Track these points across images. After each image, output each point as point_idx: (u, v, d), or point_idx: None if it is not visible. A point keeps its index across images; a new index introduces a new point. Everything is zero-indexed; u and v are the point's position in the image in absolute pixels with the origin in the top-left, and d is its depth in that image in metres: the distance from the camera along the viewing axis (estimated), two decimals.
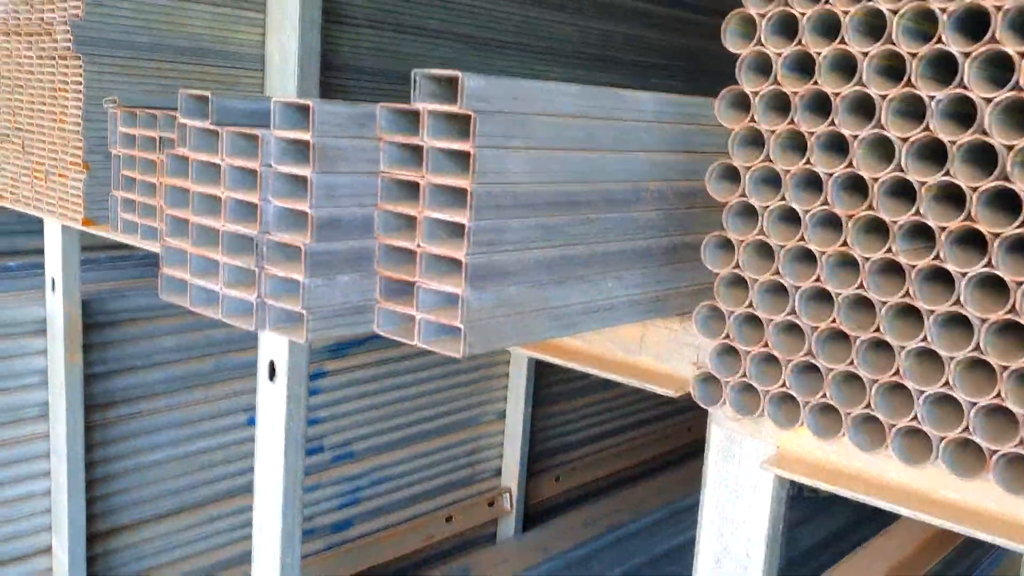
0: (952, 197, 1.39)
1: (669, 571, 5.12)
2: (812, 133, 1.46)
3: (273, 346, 2.99)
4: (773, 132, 1.50)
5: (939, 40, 1.32)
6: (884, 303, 1.43)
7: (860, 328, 1.47)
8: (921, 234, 1.43)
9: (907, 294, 1.41)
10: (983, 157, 1.35)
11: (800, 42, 1.45)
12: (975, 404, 1.37)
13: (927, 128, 1.36)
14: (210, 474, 4.31)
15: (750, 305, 1.57)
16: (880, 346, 1.48)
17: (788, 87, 1.48)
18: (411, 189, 1.63)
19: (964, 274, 1.36)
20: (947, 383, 1.40)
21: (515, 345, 1.65)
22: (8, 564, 3.80)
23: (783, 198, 1.51)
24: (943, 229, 1.36)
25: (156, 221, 2.62)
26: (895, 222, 1.40)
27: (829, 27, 1.43)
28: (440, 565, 5.24)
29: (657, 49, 4.99)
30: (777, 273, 1.53)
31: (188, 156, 1.82)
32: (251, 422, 4.24)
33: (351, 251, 1.68)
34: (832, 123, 1.44)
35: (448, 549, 5.29)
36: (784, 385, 1.56)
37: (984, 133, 1.32)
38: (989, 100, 1.30)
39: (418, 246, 1.60)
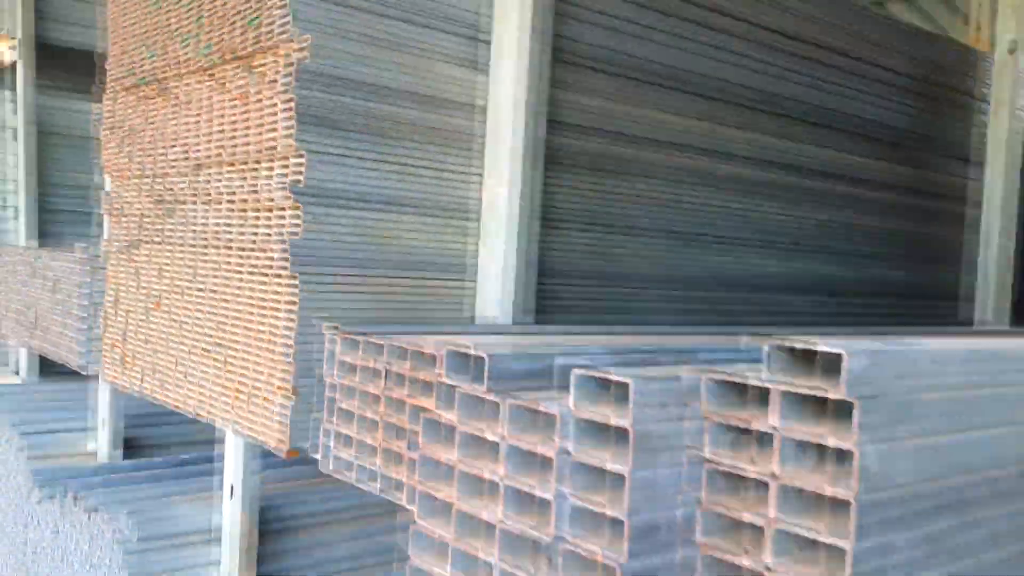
0: None
1: None
2: None
3: None
4: None
5: None
6: None
7: None
8: None
9: None
10: None
11: None
12: None
13: None
14: None
15: None
16: None
17: None
18: (742, 482, 1.25)
19: None
20: None
21: None
22: None
23: None
24: None
25: (376, 461, 2.34)
26: None
27: None
28: None
29: (876, 236, 4.58)
30: None
31: (454, 424, 1.51)
32: None
33: (670, 567, 1.29)
34: None
35: None
36: None
37: None
38: None
39: (767, 569, 1.20)
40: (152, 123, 3.67)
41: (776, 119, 4.15)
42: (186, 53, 3.44)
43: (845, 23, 4.36)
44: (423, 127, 3.06)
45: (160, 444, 5.18)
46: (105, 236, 4.09)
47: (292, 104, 2.79)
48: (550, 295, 3.31)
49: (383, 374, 2.33)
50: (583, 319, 3.47)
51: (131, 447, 4.96)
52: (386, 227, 3.00)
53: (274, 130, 2.89)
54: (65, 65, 7.77)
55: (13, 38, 7.16)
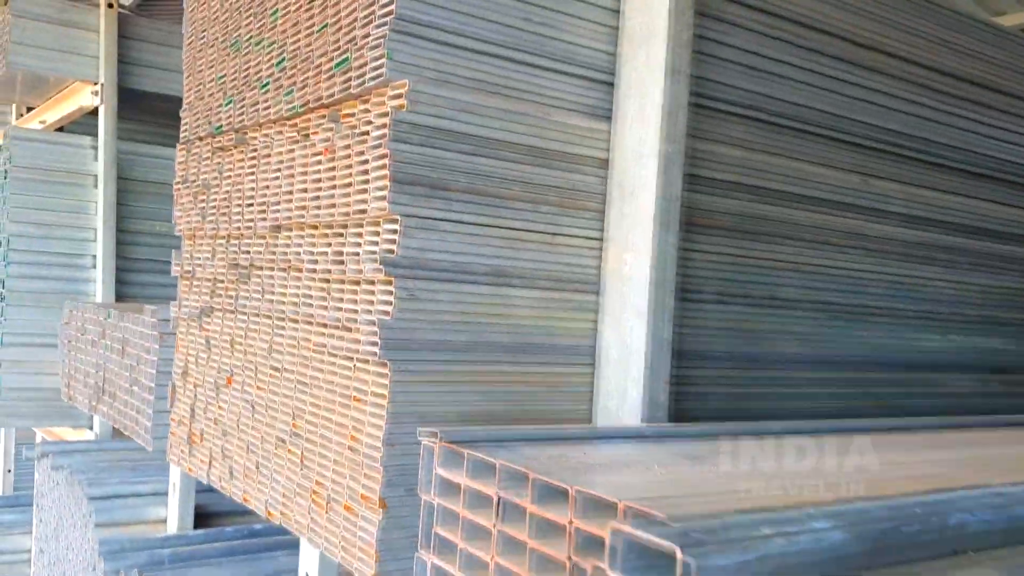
0: None
1: None
2: None
3: None
4: None
5: None
6: None
7: None
8: None
9: None
10: None
11: None
12: None
13: None
14: None
15: None
16: None
17: None
18: None
19: None
20: None
21: None
22: None
23: None
24: None
25: None
26: None
27: None
28: None
29: None
30: None
31: None
32: None
33: None
34: None
35: None
36: None
37: None
38: None
39: None
40: (228, 177, 3.29)
41: (933, 169, 3.57)
42: (266, 100, 3.05)
43: (1013, 60, 3.77)
44: (536, 185, 2.59)
45: (232, 512, 4.82)
46: (176, 300, 3.71)
47: (386, 161, 2.35)
48: (682, 380, 2.79)
49: (496, 503, 1.84)
50: (719, 408, 2.93)
51: (202, 514, 4.59)
52: (492, 304, 2.53)
53: (364, 191, 2.45)
54: (146, 111, 7.61)
55: (96, 83, 6.99)
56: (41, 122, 7.90)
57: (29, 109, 8.30)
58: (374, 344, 2.38)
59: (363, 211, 2.46)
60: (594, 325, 2.70)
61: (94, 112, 7.12)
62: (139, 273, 7.30)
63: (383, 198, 2.37)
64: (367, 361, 2.44)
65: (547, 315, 2.62)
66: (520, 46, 2.58)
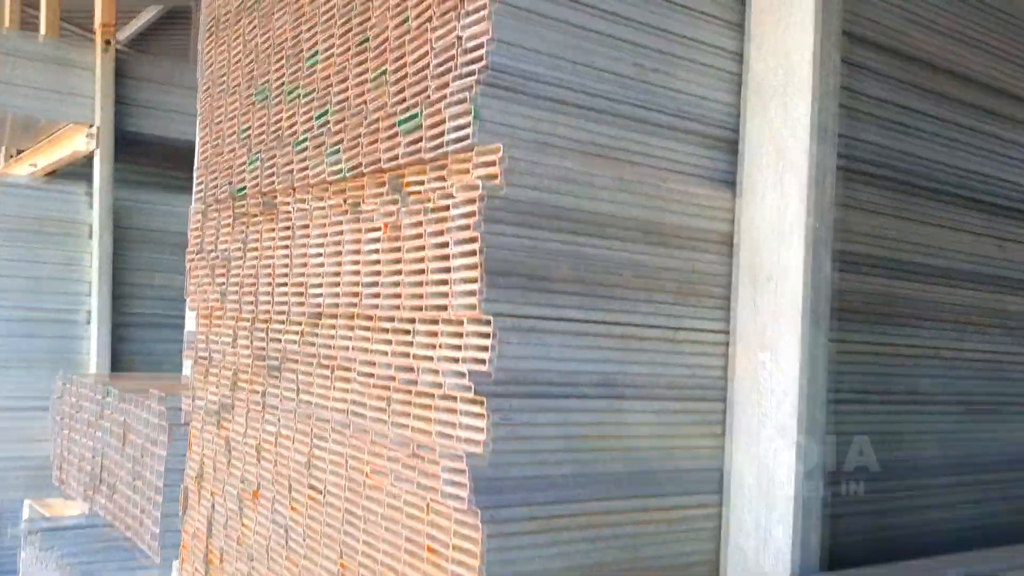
0: None
1: None
2: None
3: None
4: None
5: None
6: None
7: None
8: None
9: None
10: None
11: None
12: None
13: None
14: None
15: None
16: None
17: None
18: None
19: None
20: None
21: None
22: None
23: None
24: None
25: None
26: None
27: None
28: None
29: None
30: None
31: None
32: None
33: None
34: None
35: None
36: None
37: None
38: None
39: None
40: (254, 250, 2.77)
41: None
42: (302, 160, 2.54)
43: None
44: (651, 269, 2.07)
45: None
46: (187, 383, 3.17)
47: (476, 248, 1.83)
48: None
49: None
50: (856, 527, 2.40)
51: None
52: (603, 424, 2.00)
53: (444, 282, 1.93)
54: (145, 154, 7.04)
55: (91, 126, 6.47)
56: (32, 166, 7.35)
57: (19, 152, 7.76)
58: (459, 485, 1.84)
59: (441, 307, 1.94)
60: (720, 443, 2.17)
61: (89, 157, 6.60)
62: (138, 328, 6.73)
63: (471, 294, 1.84)
64: (448, 508, 1.90)
65: (667, 433, 2.09)
66: (629, 99, 2.08)
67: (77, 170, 6.93)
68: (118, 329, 6.66)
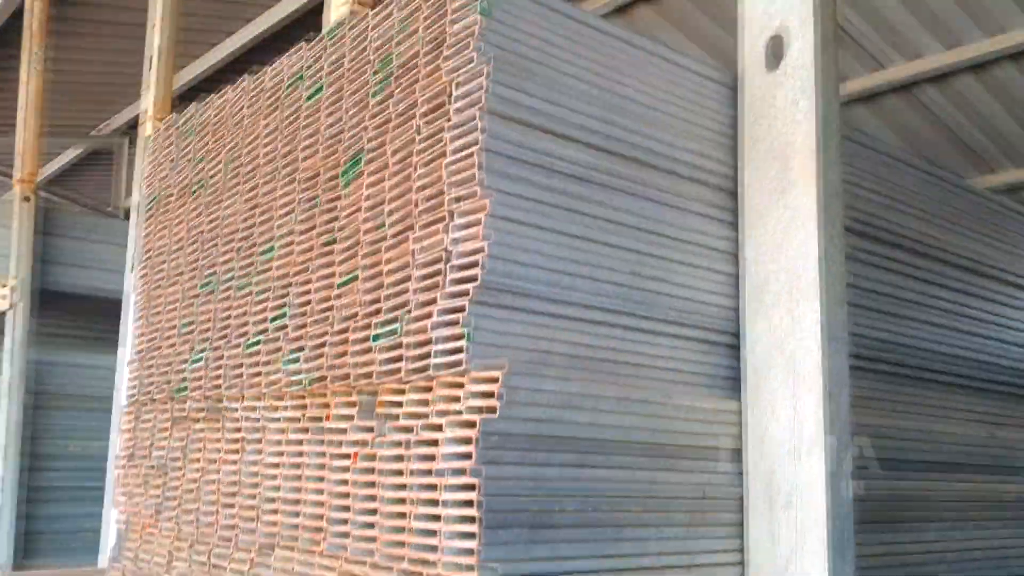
0: None
1: None
2: None
3: None
4: None
5: None
6: None
7: None
8: None
9: None
10: None
11: None
12: None
13: None
14: None
15: None
16: None
17: None
18: None
19: None
20: None
21: None
22: None
23: None
24: None
25: None
26: None
27: None
28: None
29: None
30: None
31: None
32: None
33: None
34: None
35: None
36: None
37: None
38: None
39: None
40: (195, 460, 2.47)
41: None
42: (254, 363, 2.29)
43: None
44: (660, 500, 1.85)
45: None
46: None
47: (474, 496, 1.59)
48: None
49: None
50: None
51: None
52: None
53: (432, 532, 1.67)
54: (64, 311, 6.64)
55: (13, 278, 6.06)
56: None
57: None
58: None
59: (426, 561, 1.67)
60: None
61: (3, 315, 6.18)
62: (49, 504, 6.16)
63: (467, 551, 1.59)
64: None
65: None
66: (628, 307, 1.91)
67: None
68: (32, 502, 6.08)
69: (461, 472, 1.61)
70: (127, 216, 7.81)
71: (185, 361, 2.58)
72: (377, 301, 1.93)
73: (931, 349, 2.62)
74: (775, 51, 2.07)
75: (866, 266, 2.44)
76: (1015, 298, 2.94)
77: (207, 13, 6.14)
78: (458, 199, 1.76)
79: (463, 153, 1.75)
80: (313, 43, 2.34)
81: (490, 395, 1.64)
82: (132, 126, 8.70)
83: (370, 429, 1.86)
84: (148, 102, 4.44)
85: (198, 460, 2.45)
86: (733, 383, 2.08)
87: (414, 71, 1.93)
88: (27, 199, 6.27)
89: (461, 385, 1.70)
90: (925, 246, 2.65)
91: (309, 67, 2.31)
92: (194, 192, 2.72)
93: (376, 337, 1.88)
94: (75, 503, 6.10)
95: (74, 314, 6.70)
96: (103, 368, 6.30)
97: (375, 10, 2.12)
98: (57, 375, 6.41)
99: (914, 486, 2.46)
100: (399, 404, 1.83)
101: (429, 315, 1.76)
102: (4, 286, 6.14)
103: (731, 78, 2.19)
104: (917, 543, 2.43)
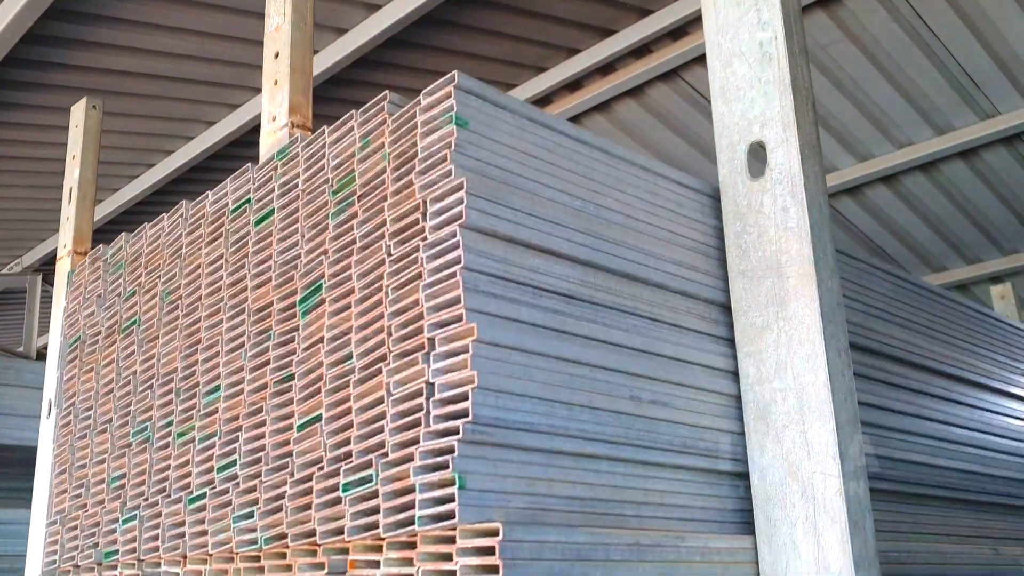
0: None
1: None
2: None
3: None
4: None
5: None
6: None
7: None
8: None
9: None
10: None
11: None
12: None
13: None
14: None
15: None
16: None
17: None
18: None
19: None
20: None
21: None
22: None
23: None
24: None
25: None
26: None
27: None
28: None
29: None
30: None
31: None
32: None
33: None
34: None
35: None
36: None
37: None
38: None
39: None
40: None
41: None
42: (199, 522, 2.00)
43: None
44: None
45: None
46: None
47: None
48: None
49: None
50: None
51: None
52: None
53: None
54: None
55: None
56: None
57: None
58: None
59: None
60: None
61: None
62: None
63: None
64: None
65: None
66: (629, 438, 1.71)
67: None
68: None
69: None
70: (40, 358, 7.38)
71: (115, 521, 2.27)
72: (345, 443, 1.70)
73: (927, 463, 2.48)
74: (757, 158, 1.98)
75: (856, 378, 2.31)
76: (1000, 405, 2.85)
77: (127, 146, 5.96)
78: (439, 325, 1.57)
79: (443, 274, 1.57)
80: (261, 165, 2.16)
81: (489, 551, 1.41)
82: (46, 263, 8.35)
83: None
84: (67, 236, 4.19)
85: None
86: (743, 516, 1.88)
87: (380, 189, 1.76)
88: None
89: (452, 540, 1.47)
90: (908, 353, 2.55)
91: (258, 189, 2.13)
92: (125, 330, 2.47)
93: (346, 487, 1.64)
94: None
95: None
96: (13, 526, 5.79)
97: (331, 127, 1.96)
98: None
99: None
100: (376, 564, 1.58)
101: (410, 458, 1.53)
102: None
103: (710, 188, 2.08)
104: None
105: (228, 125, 5.29)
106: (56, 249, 4.18)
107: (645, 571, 1.59)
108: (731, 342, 1.96)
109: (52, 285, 4.70)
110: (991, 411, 2.80)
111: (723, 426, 1.90)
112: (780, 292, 1.88)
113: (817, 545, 1.73)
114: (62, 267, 4.05)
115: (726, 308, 1.99)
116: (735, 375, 1.94)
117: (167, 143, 6.04)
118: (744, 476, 1.89)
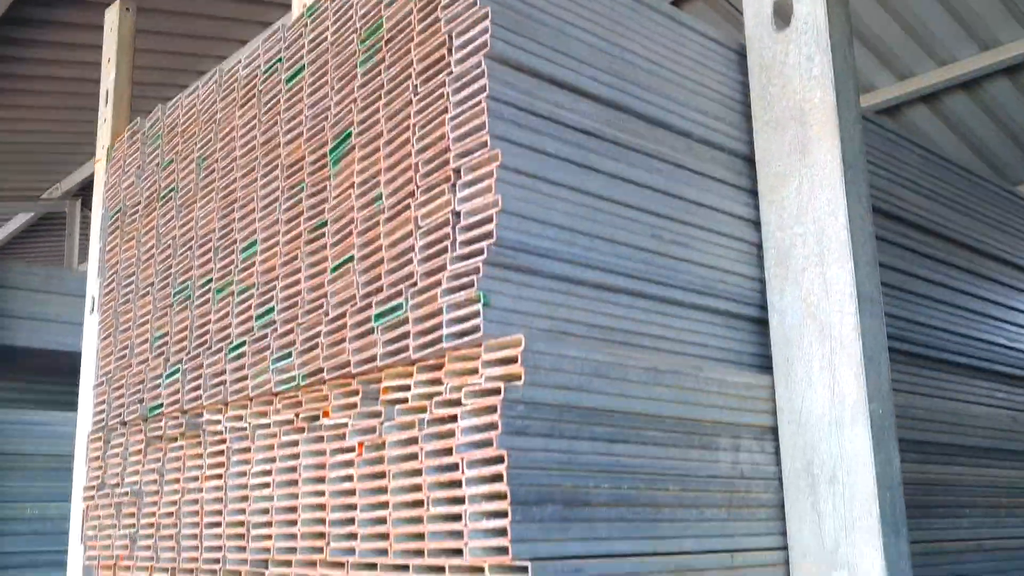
0: None
1: None
2: None
3: None
4: None
5: None
6: None
7: None
8: None
9: None
10: None
11: None
12: None
13: None
14: None
15: None
16: None
17: None
18: None
19: None
20: None
21: None
22: None
23: None
24: None
25: None
26: None
27: None
28: None
29: None
30: None
31: None
32: None
33: None
34: None
35: None
36: None
37: None
38: None
39: None
40: (173, 480, 2.25)
41: None
42: (238, 368, 2.10)
43: None
44: (694, 478, 1.69)
45: None
46: None
47: (502, 469, 1.42)
48: None
49: None
50: None
51: None
52: None
53: (454, 516, 1.49)
54: (17, 370, 6.31)
55: None
56: None
57: None
58: None
59: (450, 551, 1.49)
60: None
61: None
62: (10, 571, 5.76)
63: (498, 532, 1.41)
64: None
65: None
66: (650, 274, 1.76)
67: None
68: None
69: (484, 445, 1.44)
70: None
71: (159, 376, 2.38)
72: (376, 280, 1.77)
73: (949, 330, 2.51)
74: (782, 11, 1.98)
75: (879, 242, 2.33)
76: (1021, 281, 2.86)
77: (160, 66, 6.01)
78: (464, 154, 1.62)
79: (468, 104, 1.61)
80: (291, 24, 2.20)
81: (512, 361, 1.48)
82: (84, 187, 8.49)
83: (376, 415, 1.69)
84: (105, 138, 4.26)
85: (177, 481, 2.24)
86: (761, 360, 1.94)
87: (407, 30, 1.80)
88: None
89: (477, 357, 1.53)
90: (933, 224, 2.56)
91: (288, 47, 2.17)
92: (163, 197, 2.55)
93: (379, 316, 1.71)
94: (37, 571, 5.70)
95: (27, 372, 6.37)
96: (61, 428, 6.01)
97: None
98: (10, 436, 6.08)
99: (942, 471, 2.32)
100: (407, 388, 1.66)
101: (437, 284, 1.60)
102: None
103: (735, 43, 2.09)
104: (953, 530, 2.29)
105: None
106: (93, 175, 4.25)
107: (661, 394, 1.66)
108: (753, 193, 1.99)
109: (91, 209, 4.76)
110: (1015, 287, 2.81)
111: (743, 271, 1.94)
112: (803, 140, 1.90)
113: (833, 379, 1.78)
114: (100, 168, 4.12)
115: (749, 161, 2.02)
116: (756, 224, 1.97)
117: (199, 63, 6.08)
118: (761, 322, 1.94)
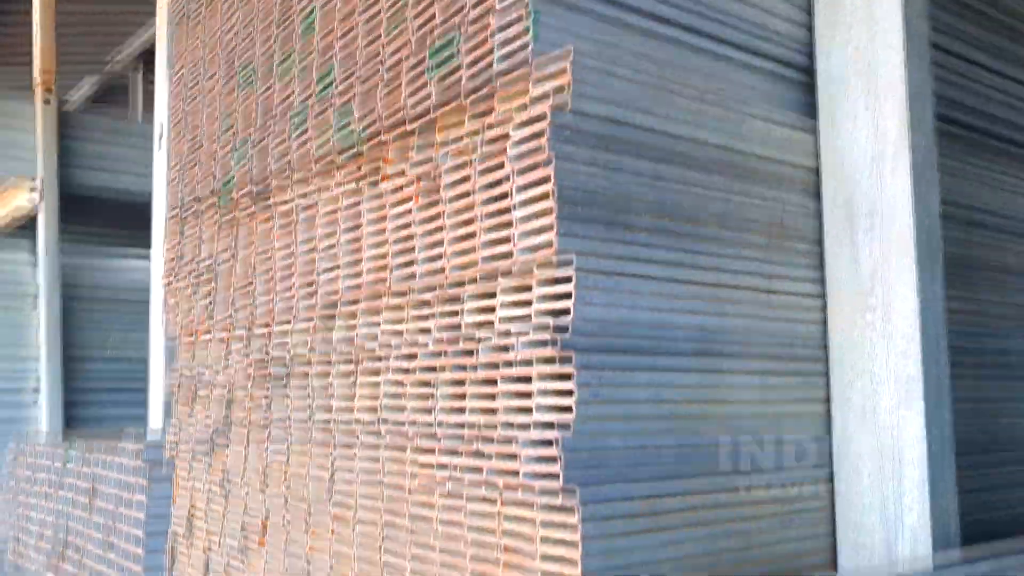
0: None
1: None
2: None
3: None
4: None
5: None
6: None
7: None
8: None
9: None
10: None
11: None
12: None
13: None
14: None
15: None
16: None
17: None
18: None
19: None
20: None
21: None
22: None
23: None
24: None
25: None
26: None
27: None
28: None
29: None
30: None
31: None
32: None
33: None
34: None
35: None
36: None
37: None
38: None
39: None
40: (247, 252, 2.41)
41: None
42: (302, 139, 2.21)
43: None
44: (735, 210, 1.78)
45: None
46: (170, 428, 2.76)
47: (549, 173, 1.52)
48: None
49: None
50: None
51: None
52: (700, 387, 1.68)
53: (502, 234, 1.60)
54: (92, 213, 6.53)
55: (34, 180, 5.97)
56: None
57: None
58: (548, 462, 1.50)
59: (498, 268, 1.61)
60: (825, 410, 1.86)
61: (32, 217, 6.14)
62: (92, 394, 6.17)
63: (544, 231, 1.52)
64: (524, 503, 1.55)
65: (770, 398, 1.77)
66: (695, 9, 1.81)
67: (18, 234, 6.44)
68: (70, 397, 6.12)
69: (534, 153, 1.54)
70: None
71: (228, 155, 2.52)
72: (428, 23, 1.84)
73: (1008, 104, 2.49)
74: None
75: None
76: None
77: None
78: None
79: None
80: None
81: (560, 90, 1.55)
82: (145, 51, 8.58)
83: (429, 160, 1.79)
84: None
85: (249, 252, 2.40)
86: (808, 107, 1.98)
87: None
88: (47, 101, 6.18)
89: (526, 92, 1.61)
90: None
91: None
92: None
93: (432, 52, 1.79)
94: (117, 394, 6.04)
95: (102, 215, 6.59)
96: (133, 266, 6.29)
97: None
98: (90, 275, 6.40)
99: (990, 237, 2.37)
100: (459, 137, 1.74)
101: (488, 11, 1.67)
102: (32, 190, 6.06)
103: None
104: (997, 300, 2.35)
105: None
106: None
107: (705, 136, 1.73)
108: None
109: (152, 82, 4.73)
110: None
111: (794, 16, 1.96)
112: None
113: (874, 119, 1.83)
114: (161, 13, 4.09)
115: None
116: None
117: None
118: (805, 84, 1.97)
